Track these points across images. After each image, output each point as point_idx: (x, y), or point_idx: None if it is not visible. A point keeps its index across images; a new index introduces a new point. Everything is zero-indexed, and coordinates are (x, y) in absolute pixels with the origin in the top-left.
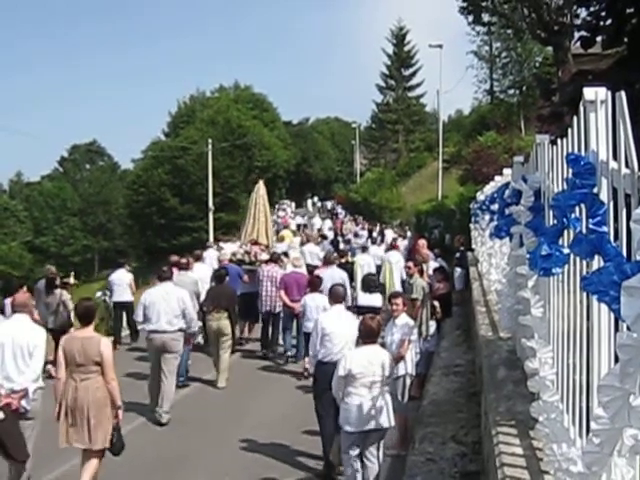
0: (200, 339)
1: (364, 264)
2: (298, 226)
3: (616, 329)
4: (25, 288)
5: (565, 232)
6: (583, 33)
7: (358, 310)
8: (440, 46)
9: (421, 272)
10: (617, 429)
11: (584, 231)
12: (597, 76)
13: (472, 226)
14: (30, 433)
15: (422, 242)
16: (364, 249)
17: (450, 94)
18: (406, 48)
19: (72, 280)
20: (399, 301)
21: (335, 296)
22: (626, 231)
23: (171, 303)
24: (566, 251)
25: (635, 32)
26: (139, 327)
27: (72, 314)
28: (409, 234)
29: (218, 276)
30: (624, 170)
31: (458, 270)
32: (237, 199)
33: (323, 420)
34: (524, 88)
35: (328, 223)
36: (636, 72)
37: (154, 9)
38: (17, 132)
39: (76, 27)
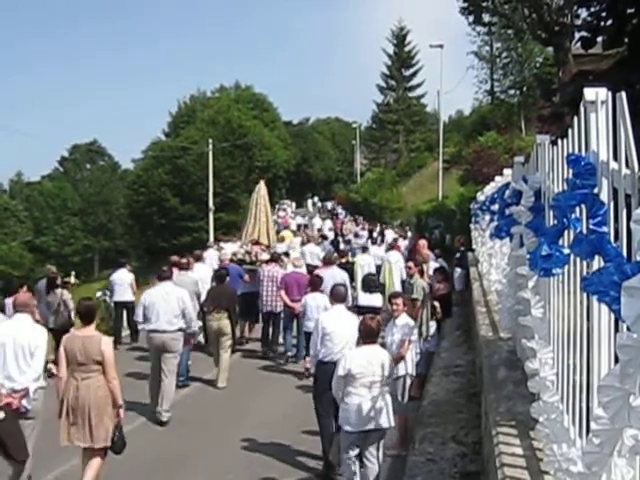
0: (201, 338)
1: (364, 264)
2: (298, 226)
3: (616, 329)
4: (25, 288)
5: (565, 232)
6: (584, 33)
7: (358, 310)
8: (441, 46)
9: (421, 272)
10: (617, 429)
11: (584, 231)
12: (598, 76)
13: (472, 226)
14: (30, 432)
15: (422, 242)
16: (364, 249)
17: (451, 94)
18: (407, 48)
19: (73, 280)
20: (399, 301)
21: (336, 296)
22: (626, 231)
23: (171, 303)
24: (566, 251)
25: (635, 32)
26: (139, 327)
27: (73, 314)
28: (409, 234)
29: (219, 276)
30: (624, 170)
31: (458, 270)
32: (237, 199)
33: (323, 420)
34: (525, 88)
35: (328, 223)
36: (637, 72)
37: (154, 9)
38: (17, 132)
39: (76, 27)
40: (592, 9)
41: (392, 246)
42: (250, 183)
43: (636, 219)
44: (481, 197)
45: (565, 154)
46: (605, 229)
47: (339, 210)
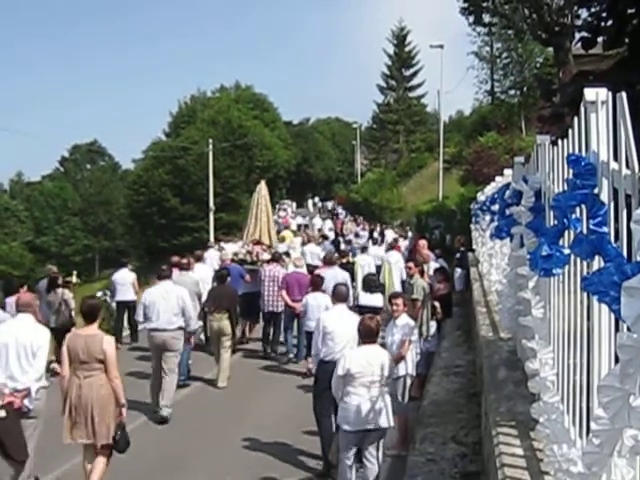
0: (201, 337)
1: (364, 264)
2: (299, 226)
3: (616, 330)
4: (26, 287)
5: (566, 233)
6: (584, 34)
7: (359, 310)
8: (441, 47)
9: (422, 272)
10: (617, 430)
11: (585, 232)
12: (598, 77)
13: (473, 227)
14: (32, 432)
15: (423, 242)
16: (364, 249)
17: (451, 95)
18: (407, 48)
19: (74, 279)
20: (399, 301)
21: (338, 295)
22: (626, 232)
23: (170, 301)
24: (566, 252)
25: (636, 33)
26: (140, 327)
27: (74, 313)
28: (410, 234)
29: (219, 276)
30: (625, 171)
31: (458, 271)
32: (238, 199)
33: (322, 419)
34: (525, 89)
35: (329, 223)
36: (637, 73)
37: (154, 9)
38: (17, 132)
39: (76, 27)
40: (592, 9)
41: (392, 246)
42: (250, 183)
43: (636, 219)
44: (481, 197)
45: (565, 154)
46: (605, 229)
47: (339, 210)
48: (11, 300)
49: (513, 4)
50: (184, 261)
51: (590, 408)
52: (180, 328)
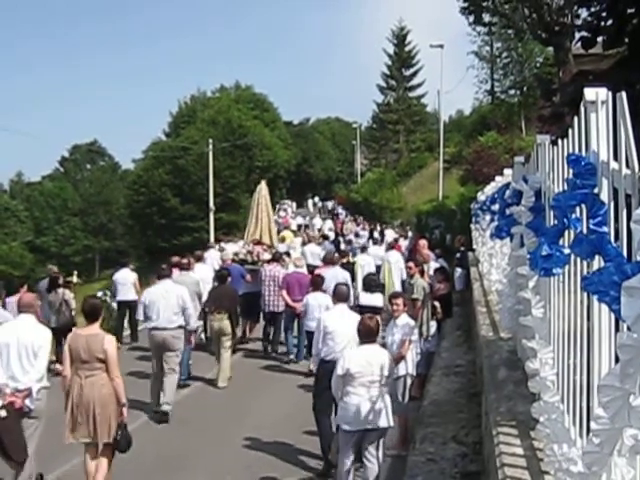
0: (202, 336)
1: (364, 264)
2: (299, 226)
3: (616, 329)
4: (26, 287)
5: (566, 232)
6: (584, 33)
7: (360, 310)
8: (441, 46)
9: (422, 272)
10: (617, 429)
11: (585, 231)
12: (598, 76)
13: (473, 226)
14: (33, 432)
15: (423, 242)
16: (363, 249)
17: (451, 94)
18: (407, 48)
19: (75, 279)
20: (399, 301)
21: (339, 295)
22: (626, 231)
23: (170, 300)
24: (567, 251)
25: (636, 32)
26: (140, 327)
27: (74, 313)
28: (410, 234)
29: (220, 277)
30: (625, 170)
31: (459, 270)
32: (238, 199)
33: (322, 418)
34: (525, 88)
35: (329, 223)
36: (637, 72)
37: (154, 9)
38: (17, 132)
39: (76, 27)
40: (592, 9)
41: (392, 246)
42: (250, 183)
43: (636, 219)
44: (481, 197)
45: (565, 154)
46: (605, 229)
47: (339, 210)
48: (12, 300)
49: (513, 4)
50: (184, 261)
51: (590, 408)
52: (180, 327)
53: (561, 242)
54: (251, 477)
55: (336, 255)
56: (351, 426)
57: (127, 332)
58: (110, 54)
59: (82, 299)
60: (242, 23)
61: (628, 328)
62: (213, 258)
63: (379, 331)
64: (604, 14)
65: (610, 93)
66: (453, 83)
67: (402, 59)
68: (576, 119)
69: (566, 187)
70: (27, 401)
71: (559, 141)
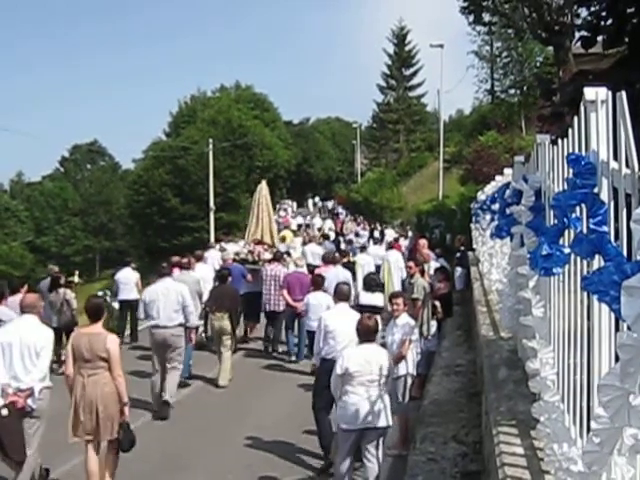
0: (203, 335)
1: (364, 264)
2: (299, 226)
3: (617, 329)
4: (26, 287)
5: (566, 232)
6: (584, 33)
7: (360, 309)
8: (441, 46)
9: (422, 272)
10: (617, 428)
11: (585, 231)
12: (598, 76)
13: (473, 226)
14: (35, 431)
15: (423, 242)
16: (363, 249)
17: (451, 94)
18: (407, 48)
19: (76, 279)
20: (400, 301)
21: (340, 294)
22: (626, 231)
23: (170, 298)
24: (567, 251)
25: (636, 32)
26: (140, 327)
27: (76, 313)
28: (410, 234)
29: (221, 276)
30: (624, 170)
31: (459, 270)
32: (238, 199)
33: (321, 417)
34: (525, 88)
35: (329, 223)
36: (637, 72)
37: (154, 9)
38: (17, 132)
39: (76, 27)
40: (592, 8)
41: (391, 245)
42: (251, 183)
43: (636, 219)
44: (481, 197)
45: (565, 154)
46: (605, 228)
47: (339, 210)
48: (14, 299)
49: (513, 3)
50: (184, 260)
51: (590, 407)
52: (181, 325)
53: (561, 242)
54: (252, 476)
55: (337, 255)
56: (350, 425)
57: (127, 332)
58: (110, 54)
59: (83, 299)
60: (242, 23)
61: (628, 328)
62: (214, 258)
63: (378, 330)
64: (604, 13)
65: (610, 93)
66: (453, 83)
67: (402, 59)
68: (576, 119)
69: (566, 187)
70: (29, 401)
71: (559, 141)
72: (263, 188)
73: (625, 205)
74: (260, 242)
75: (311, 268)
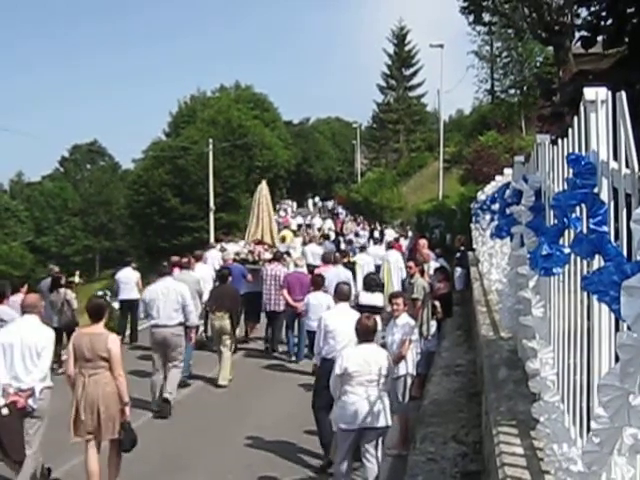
0: (203, 334)
1: (363, 264)
2: (299, 226)
3: (616, 329)
4: (26, 287)
5: (566, 232)
6: (584, 33)
7: (360, 309)
8: (441, 46)
9: (422, 272)
10: (617, 428)
11: (585, 231)
12: (598, 76)
13: (473, 226)
14: (35, 431)
15: (423, 242)
16: (362, 249)
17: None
18: (407, 48)
19: (77, 279)
20: (400, 301)
21: (340, 294)
22: (626, 231)
23: (170, 297)
24: (567, 251)
25: (636, 32)
26: (140, 327)
27: (76, 313)
28: (410, 234)
29: (221, 276)
30: (624, 170)
31: (459, 270)
32: (238, 199)
33: (321, 416)
34: (525, 88)
35: (329, 223)
36: (637, 72)
37: (154, 9)
38: (17, 132)
39: (76, 27)
40: (592, 8)
41: (391, 245)
42: (250, 183)
43: (636, 219)
44: (481, 197)
45: (565, 154)
46: (605, 229)
47: (339, 210)
48: (15, 299)
49: (513, 3)
50: (184, 260)
51: (590, 407)
52: (181, 324)
53: (561, 242)
54: (252, 476)
55: (337, 254)
56: (349, 425)
57: (128, 332)
58: (110, 54)
59: (83, 299)
60: (242, 23)
61: (628, 328)
62: (214, 258)
63: (376, 330)
64: (604, 13)
65: (610, 93)
66: (453, 83)
67: (402, 59)
68: (576, 119)
69: (566, 187)
70: (30, 401)
71: (559, 141)
72: (263, 188)
73: (625, 205)
74: (260, 242)
75: (311, 268)
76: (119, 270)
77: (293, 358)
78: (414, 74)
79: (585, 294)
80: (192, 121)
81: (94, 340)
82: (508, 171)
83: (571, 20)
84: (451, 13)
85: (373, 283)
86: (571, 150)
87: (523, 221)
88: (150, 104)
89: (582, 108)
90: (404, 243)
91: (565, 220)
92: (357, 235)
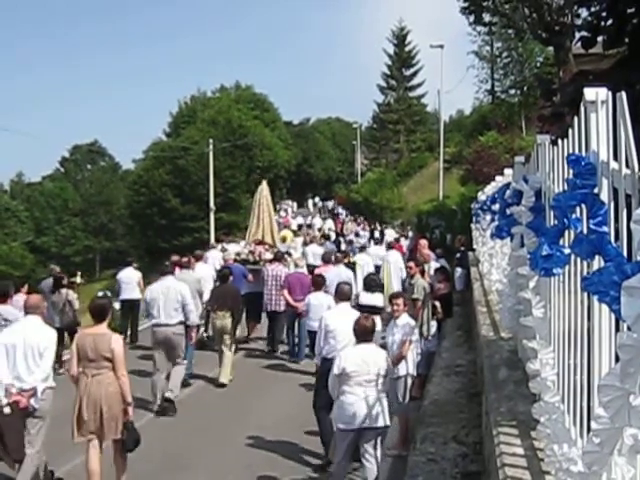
0: (204, 334)
1: (363, 264)
2: (299, 226)
3: (617, 329)
4: (26, 287)
5: (566, 232)
6: (584, 33)
7: (360, 309)
8: (441, 46)
9: (422, 272)
10: (617, 428)
11: (585, 231)
12: (598, 76)
13: (473, 226)
14: (37, 431)
15: (423, 242)
16: (362, 249)
17: (451, 94)
18: (407, 48)
19: (79, 279)
20: (400, 301)
21: (341, 294)
22: (627, 231)
23: (170, 297)
24: (567, 251)
25: (636, 32)
26: (140, 327)
27: (78, 313)
28: (410, 234)
29: (222, 276)
30: (625, 170)
31: (459, 270)
32: (238, 199)
33: (322, 415)
34: (525, 88)
35: (329, 223)
36: (637, 72)
37: (154, 9)
38: (17, 132)
39: (76, 27)
40: (592, 9)
41: (391, 246)
42: (251, 183)
43: (636, 219)
44: (482, 197)
45: (565, 154)
46: (605, 229)
47: (340, 210)
48: (17, 298)
49: (513, 3)
50: (184, 260)
51: (590, 408)
52: (181, 322)
53: (561, 242)
54: (252, 476)
55: (338, 254)
56: (347, 425)
57: (129, 331)
58: (110, 54)
59: (84, 299)
60: (242, 23)
61: (628, 328)
62: (215, 258)
63: (375, 330)
64: (604, 14)
65: (610, 93)
66: (453, 83)
67: (402, 59)
68: (576, 119)
69: (566, 187)
70: (32, 401)
71: (559, 141)
72: (264, 189)
73: (625, 205)
74: (261, 242)
75: (311, 268)
76: (120, 270)
77: (294, 358)
78: (414, 74)
79: (585, 294)
80: (192, 121)
81: (97, 340)
82: (508, 171)
83: (571, 20)
84: (451, 13)
85: (373, 283)
86: (571, 150)
87: (523, 221)
88: (150, 104)
89: (582, 108)
90: (404, 243)
91: (565, 220)
92: (357, 235)
